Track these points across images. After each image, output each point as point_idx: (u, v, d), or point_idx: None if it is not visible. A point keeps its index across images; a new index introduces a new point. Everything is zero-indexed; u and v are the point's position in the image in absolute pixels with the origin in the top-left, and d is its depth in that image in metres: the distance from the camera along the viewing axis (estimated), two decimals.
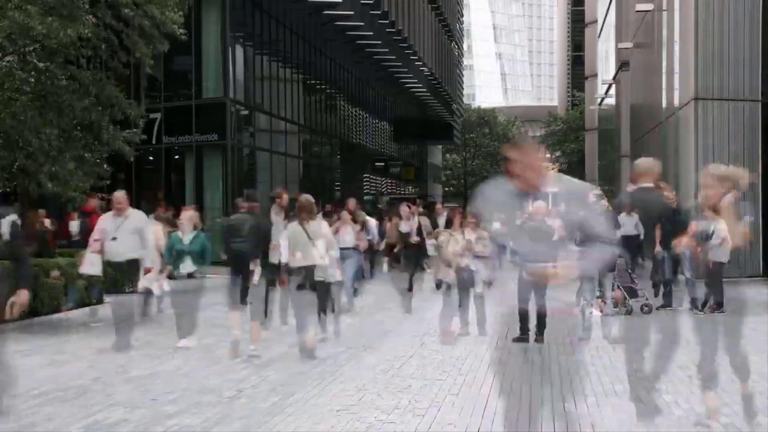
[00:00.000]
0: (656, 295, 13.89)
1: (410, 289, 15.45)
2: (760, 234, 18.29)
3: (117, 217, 10.44)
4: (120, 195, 10.55)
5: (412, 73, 36.93)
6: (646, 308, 12.83)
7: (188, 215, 10.30)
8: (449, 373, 8.32)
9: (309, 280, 9.37)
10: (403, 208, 17.20)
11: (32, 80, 14.19)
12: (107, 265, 10.72)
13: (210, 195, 23.52)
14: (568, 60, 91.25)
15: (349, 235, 13.32)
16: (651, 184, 7.79)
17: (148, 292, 11.00)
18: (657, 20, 23.39)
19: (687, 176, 18.96)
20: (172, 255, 10.03)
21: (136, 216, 10.65)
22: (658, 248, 13.52)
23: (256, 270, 9.54)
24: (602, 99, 44.54)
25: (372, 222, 16.36)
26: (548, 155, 77.44)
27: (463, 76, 62.08)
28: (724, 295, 12.96)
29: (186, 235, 10.03)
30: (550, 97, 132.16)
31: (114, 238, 10.33)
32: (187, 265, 9.93)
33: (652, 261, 13.86)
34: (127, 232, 10.33)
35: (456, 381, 7.92)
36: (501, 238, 5.11)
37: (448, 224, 16.20)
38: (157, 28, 14.35)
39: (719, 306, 12.95)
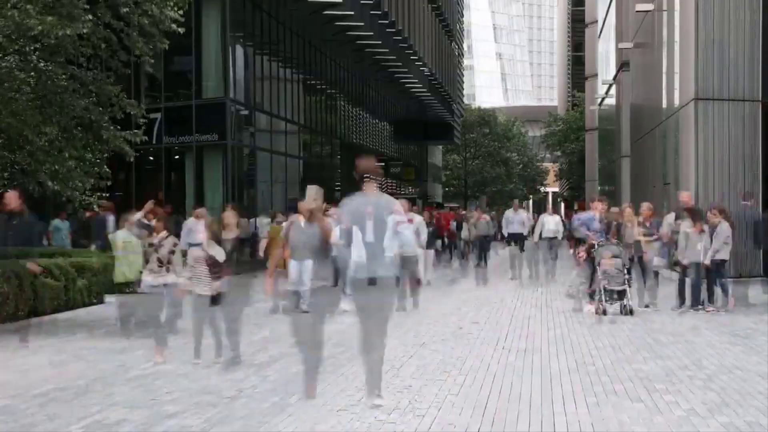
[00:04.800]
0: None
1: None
2: (760, 234, 18.30)
3: None
4: None
5: (412, 73, 36.92)
6: (652, 307, 12.89)
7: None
8: (449, 373, 8.32)
9: None
10: None
11: (32, 80, 14.19)
12: None
13: (210, 195, 23.52)
14: (568, 60, 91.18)
15: None
16: None
17: None
18: (657, 20, 23.38)
19: (687, 176, 18.96)
20: None
21: None
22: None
23: None
24: (602, 99, 44.53)
25: None
26: (548, 155, 77.60)
27: (463, 76, 62.04)
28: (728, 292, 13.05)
29: None
30: (550, 97, 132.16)
31: None
32: None
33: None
34: None
35: (456, 381, 7.92)
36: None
37: None
38: (157, 27, 14.36)
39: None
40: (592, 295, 13.15)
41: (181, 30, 15.15)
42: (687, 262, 12.90)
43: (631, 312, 12.58)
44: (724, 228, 12.90)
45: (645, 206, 14.26)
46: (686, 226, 12.99)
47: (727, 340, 10.36)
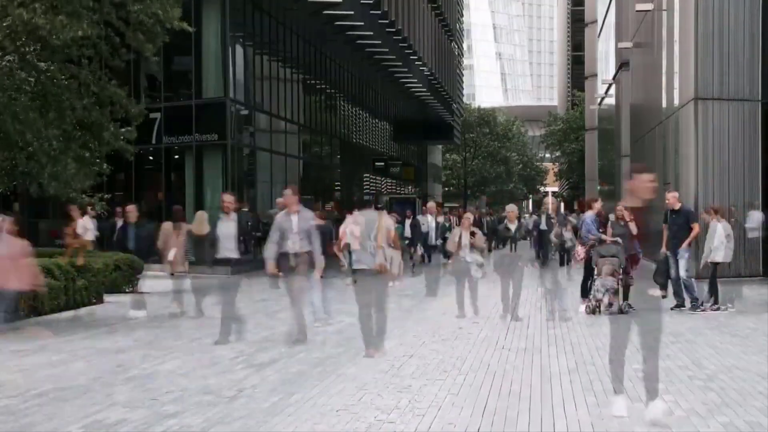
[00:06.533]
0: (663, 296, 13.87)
1: None
2: (760, 234, 18.31)
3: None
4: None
5: (412, 73, 36.92)
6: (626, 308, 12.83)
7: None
8: (449, 373, 8.32)
9: None
10: None
11: (32, 80, 14.18)
12: None
13: (210, 195, 23.52)
14: (568, 60, 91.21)
15: None
16: None
17: None
18: (657, 20, 23.38)
19: (687, 176, 18.96)
20: None
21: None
22: (662, 249, 13.53)
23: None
24: (602, 99, 44.54)
25: None
26: (547, 155, 77.59)
27: (463, 76, 62.04)
28: (718, 293, 13.03)
29: None
30: (550, 97, 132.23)
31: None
32: None
33: (656, 262, 13.84)
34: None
35: (456, 381, 7.92)
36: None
37: None
38: (161, 25, 14.35)
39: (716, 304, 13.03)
40: (584, 294, 13.13)
41: (191, 30, 15.17)
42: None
43: (627, 311, 12.55)
44: (718, 228, 12.88)
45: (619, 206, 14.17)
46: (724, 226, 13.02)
47: (727, 340, 10.36)
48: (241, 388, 7.66)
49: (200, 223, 13.39)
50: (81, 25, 12.67)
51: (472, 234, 13.03)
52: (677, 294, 13.07)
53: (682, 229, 13.18)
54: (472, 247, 12.83)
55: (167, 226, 13.38)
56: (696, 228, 13.31)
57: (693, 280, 13.34)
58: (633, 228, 10.87)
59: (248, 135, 25.91)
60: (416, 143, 52.19)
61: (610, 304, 12.69)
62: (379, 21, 29.30)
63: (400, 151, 48.05)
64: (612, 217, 13.01)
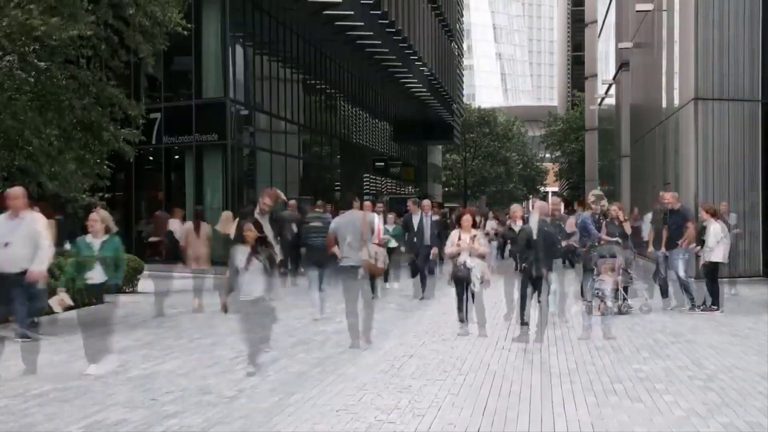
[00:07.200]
0: (665, 295, 13.86)
1: None
2: (760, 234, 18.33)
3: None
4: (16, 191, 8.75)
5: (412, 73, 36.92)
6: (645, 308, 12.85)
7: (102, 214, 9.10)
8: (449, 373, 8.32)
9: None
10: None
11: (32, 80, 14.18)
12: None
13: (210, 195, 23.53)
14: (568, 60, 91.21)
15: None
16: None
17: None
18: (657, 20, 23.38)
19: (687, 176, 18.96)
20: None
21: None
22: (658, 248, 13.52)
23: None
24: (602, 99, 44.53)
25: None
26: (548, 155, 77.61)
27: (463, 76, 62.02)
28: (719, 294, 13.03)
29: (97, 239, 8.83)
30: (550, 97, 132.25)
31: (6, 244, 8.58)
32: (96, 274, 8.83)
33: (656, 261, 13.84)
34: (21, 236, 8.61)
35: (456, 381, 7.92)
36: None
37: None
38: (159, 27, 14.36)
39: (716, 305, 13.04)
40: (583, 294, 13.08)
41: (186, 32, 15.19)
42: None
43: (628, 311, 12.56)
44: (714, 228, 12.88)
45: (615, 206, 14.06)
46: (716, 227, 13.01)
47: (727, 340, 10.36)
48: (241, 388, 7.66)
49: (226, 223, 13.88)
50: (77, 26, 12.67)
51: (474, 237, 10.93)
52: (669, 293, 13.10)
53: (680, 229, 13.18)
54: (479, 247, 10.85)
55: (188, 225, 14.17)
56: (690, 227, 13.28)
57: (691, 280, 13.34)
58: (627, 228, 10.94)
59: (248, 135, 25.92)
60: (416, 143, 52.21)
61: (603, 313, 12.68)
62: (379, 21, 29.29)
63: (400, 151, 48.06)
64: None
